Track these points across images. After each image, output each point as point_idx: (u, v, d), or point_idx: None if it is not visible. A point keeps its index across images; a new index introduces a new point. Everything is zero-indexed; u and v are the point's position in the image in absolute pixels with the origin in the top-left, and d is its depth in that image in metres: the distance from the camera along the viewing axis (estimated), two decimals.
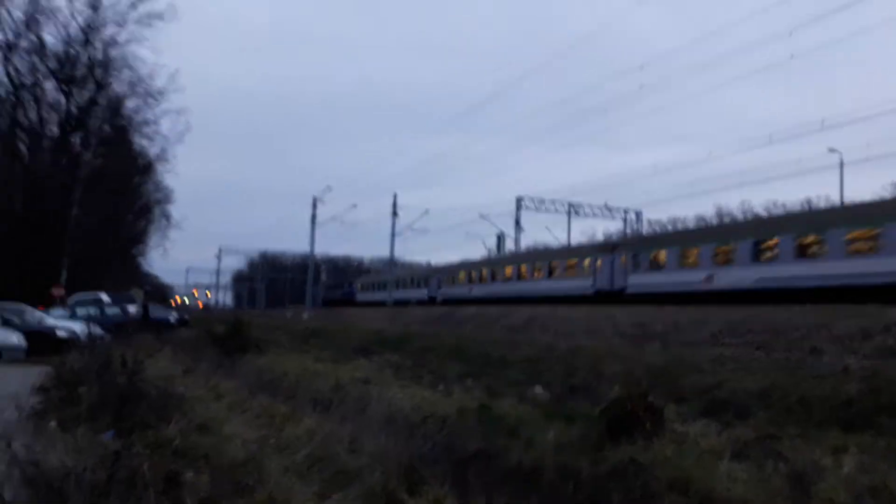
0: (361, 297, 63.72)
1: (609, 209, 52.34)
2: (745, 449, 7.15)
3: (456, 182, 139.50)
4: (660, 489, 6.13)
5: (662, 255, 28.12)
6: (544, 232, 53.84)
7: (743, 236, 24.56)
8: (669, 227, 56.00)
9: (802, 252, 21.65)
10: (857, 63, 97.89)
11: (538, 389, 12.02)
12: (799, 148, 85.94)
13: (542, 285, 34.66)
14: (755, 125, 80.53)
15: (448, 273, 47.25)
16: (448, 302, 39.99)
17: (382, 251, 64.56)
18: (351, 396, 10.06)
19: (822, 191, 67.30)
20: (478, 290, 40.11)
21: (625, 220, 53.99)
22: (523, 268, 38.20)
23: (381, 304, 50.87)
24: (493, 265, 42.51)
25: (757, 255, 23.22)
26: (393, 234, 50.78)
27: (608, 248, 32.68)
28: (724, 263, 24.32)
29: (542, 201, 51.21)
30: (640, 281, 28.34)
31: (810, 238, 21.67)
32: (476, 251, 71.20)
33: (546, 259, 37.41)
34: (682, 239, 30.00)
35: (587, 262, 32.69)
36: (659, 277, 27.35)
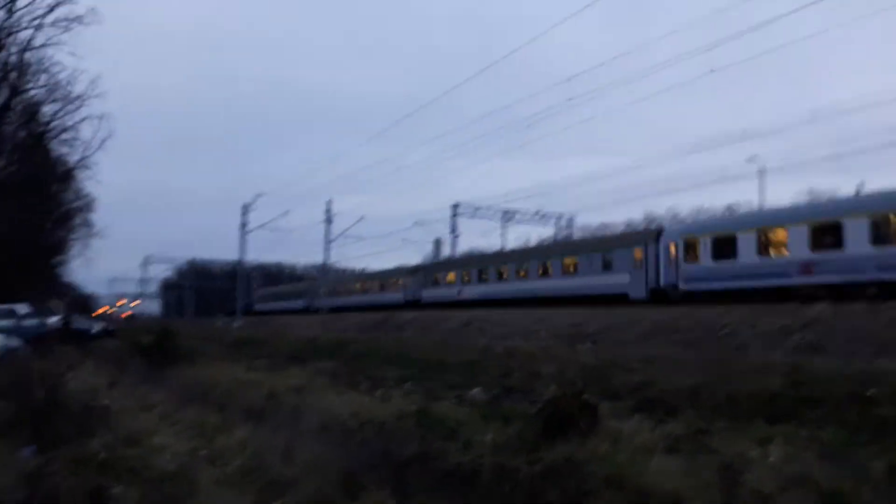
0: (259, 307, 75.95)
1: (542, 215, 53.28)
2: (676, 444, 7.34)
3: (392, 189, 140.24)
4: (595, 486, 6.22)
5: (439, 276, 42.86)
6: (480, 238, 54.59)
7: (476, 266, 40.12)
8: (598, 233, 58.10)
9: (499, 276, 36.03)
10: (775, 76, 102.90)
11: (476, 391, 12.06)
12: (722, 156, 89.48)
13: (377, 297, 49.02)
14: (680, 135, 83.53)
15: (318, 287, 59.12)
16: (319, 310, 51.05)
17: (317, 258, 64.30)
18: (285, 405, 9.87)
19: (745, 196, 70.33)
20: (339, 301, 52.55)
21: (556, 226, 55.11)
22: (367, 284, 54.45)
23: (273, 312, 64.69)
24: (349, 282, 59.48)
25: (481, 277, 37.92)
26: (327, 241, 50.31)
27: (414, 271, 46.91)
28: (466, 282, 39.09)
29: (477, 208, 51.82)
30: (428, 293, 42.35)
31: (503, 268, 36.07)
32: (414, 257, 72.25)
33: (380, 278, 52.62)
34: (448, 266, 45.26)
35: (400, 280, 47.16)
36: (437, 291, 41.71)
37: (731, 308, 14.51)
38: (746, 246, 20.01)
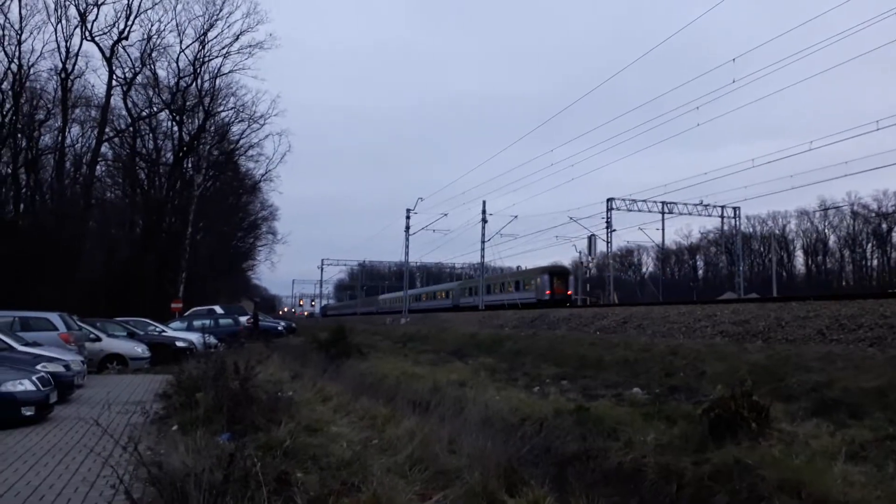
0: (330, 312, 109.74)
1: (705, 206, 50.17)
2: (861, 450, 6.78)
3: (545, 186, 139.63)
4: (768, 491, 5.93)
5: None
6: (637, 232, 52.25)
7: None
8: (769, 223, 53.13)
9: None
10: None
11: (636, 390, 11.80)
12: None
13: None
14: (858, 113, 74.05)
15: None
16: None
17: (473, 257, 65.39)
18: (448, 398, 10.21)
19: None
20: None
21: (721, 217, 51.69)
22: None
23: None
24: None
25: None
26: (483, 241, 50.86)
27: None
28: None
29: (633, 201, 49.70)
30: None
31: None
32: (567, 254, 71.34)
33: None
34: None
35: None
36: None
37: None
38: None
